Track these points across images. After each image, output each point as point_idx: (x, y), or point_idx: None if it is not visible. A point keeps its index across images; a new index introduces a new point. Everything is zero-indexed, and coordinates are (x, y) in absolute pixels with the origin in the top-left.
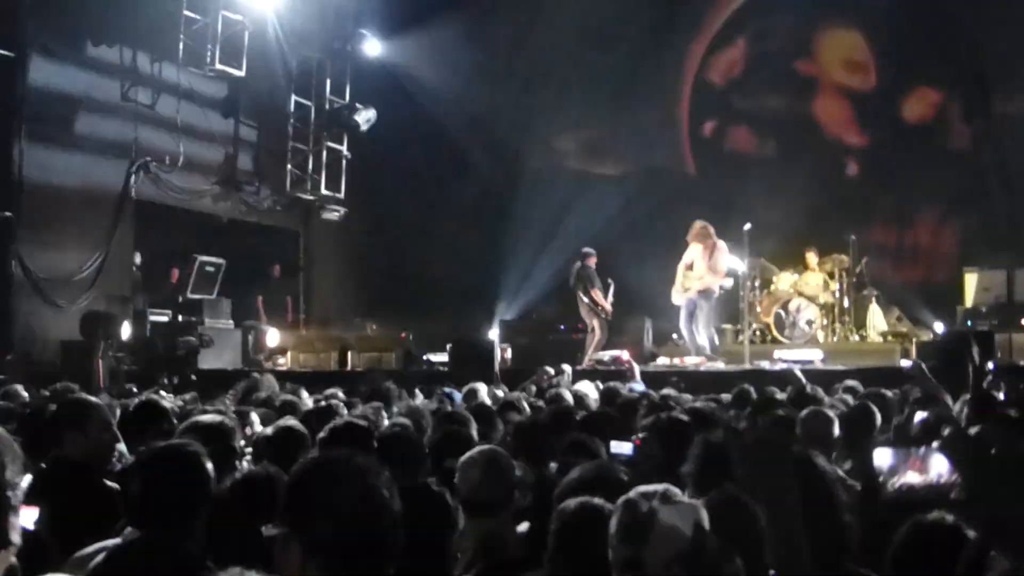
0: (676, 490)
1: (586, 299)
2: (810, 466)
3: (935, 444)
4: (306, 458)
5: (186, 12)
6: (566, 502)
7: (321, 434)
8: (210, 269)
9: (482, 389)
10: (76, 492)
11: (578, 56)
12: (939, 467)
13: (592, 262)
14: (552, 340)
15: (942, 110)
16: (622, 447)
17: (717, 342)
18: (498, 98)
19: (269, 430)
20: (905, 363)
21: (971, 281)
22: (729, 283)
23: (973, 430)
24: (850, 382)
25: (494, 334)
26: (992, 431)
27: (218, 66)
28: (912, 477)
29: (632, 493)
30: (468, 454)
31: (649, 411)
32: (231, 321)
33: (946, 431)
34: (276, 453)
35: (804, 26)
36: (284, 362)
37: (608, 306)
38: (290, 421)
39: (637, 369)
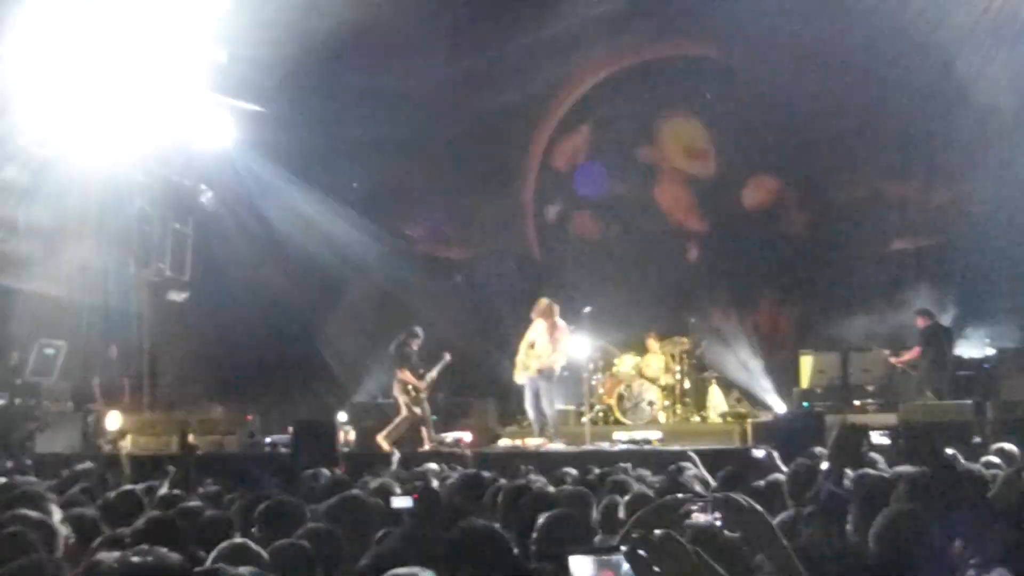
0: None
1: (398, 375)
2: None
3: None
4: None
5: None
6: None
7: None
8: (50, 351)
9: None
10: None
11: (425, 140)
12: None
13: (414, 343)
14: None
15: (780, 197)
16: (404, 501)
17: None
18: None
19: None
20: (757, 452)
21: (807, 363)
22: (564, 360)
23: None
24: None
25: (342, 416)
26: None
27: None
28: None
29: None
30: None
31: None
32: (71, 403)
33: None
34: None
35: (646, 114)
36: (124, 445)
37: (421, 384)
38: None
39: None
